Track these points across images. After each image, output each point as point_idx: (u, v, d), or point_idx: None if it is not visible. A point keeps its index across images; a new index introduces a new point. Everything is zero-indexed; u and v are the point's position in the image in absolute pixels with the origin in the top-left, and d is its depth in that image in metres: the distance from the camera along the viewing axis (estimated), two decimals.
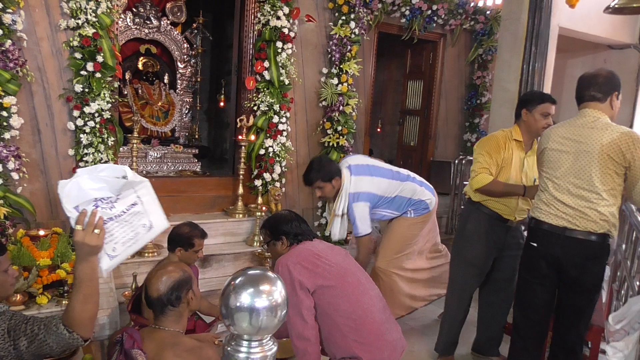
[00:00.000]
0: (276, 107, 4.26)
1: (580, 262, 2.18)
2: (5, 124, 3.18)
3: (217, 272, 3.88)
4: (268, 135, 4.30)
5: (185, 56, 5.59)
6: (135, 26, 5.05)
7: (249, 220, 4.25)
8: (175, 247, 2.56)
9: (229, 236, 4.17)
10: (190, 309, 1.83)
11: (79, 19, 3.34)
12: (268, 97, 4.24)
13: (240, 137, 4.16)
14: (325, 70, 4.67)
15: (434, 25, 5.37)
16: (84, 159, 3.47)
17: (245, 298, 0.87)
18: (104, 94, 3.45)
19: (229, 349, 0.87)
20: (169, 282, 1.76)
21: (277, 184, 4.40)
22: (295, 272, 2.00)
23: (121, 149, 3.95)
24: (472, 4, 5.42)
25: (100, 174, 1.30)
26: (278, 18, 4.14)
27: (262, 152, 4.33)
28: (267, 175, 4.32)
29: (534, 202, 2.38)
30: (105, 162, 3.49)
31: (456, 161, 5.28)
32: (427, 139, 6.00)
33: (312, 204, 4.82)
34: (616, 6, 3.11)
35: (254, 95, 4.35)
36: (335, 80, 4.58)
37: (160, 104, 5.36)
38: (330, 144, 4.61)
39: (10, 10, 3.12)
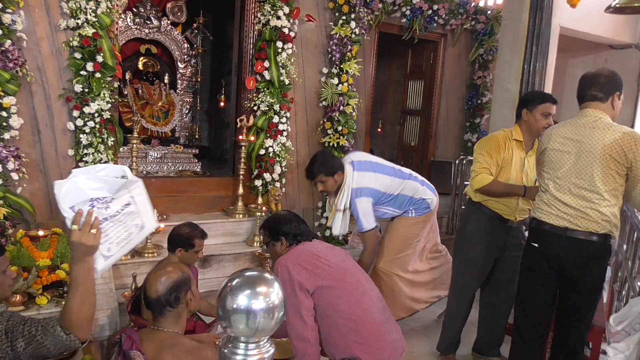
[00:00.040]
0: (276, 107, 4.26)
1: (582, 263, 2.17)
2: (4, 124, 3.17)
3: (217, 272, 3.87)
4: (268, 135, 4.29)
5: (185, 56, 5.58)
6: (136, 26, 5.05)
7: (249, 220, 4.24)
8: (175, 247, 2.56)
9: (229, 236, 4.17)
10: (189, 310, 1.82)
11: (79, 19, 3.34)
12: (268, 97, 4.23)
13: (240, 137, 4.15)
14: (325, 70, 4.66)
15: (435, 25, 5.37)
16: (84, 159, 3.47)
17: (242, 300, 0.86)
18: (104, 94, 3.44)
19: (225, 351, 0.87)
20: (168, 282, 1.75)
21: (277, 184, 4.40)
22: (294, 272, 2.00)
23: (121, 149, 3.95)
24: (472, 4, 5.41)
25: (98, 174, 1.30)
26: (278, 18, 4.13)
27: (262, 152, 4.33)
28: (267, 176, 4.32)
29: (535, 203, 2.37)
30: (105, 162, 3.48)
31: (457, 161, 5.26)
32: (428, 139, 6.00)
33: (312, 204, 4.81)
34: (617, 6, 3.10)
35: (254, 95, 4.35)
36: (335, 80, 4.57)
37: (160, 104, 5.35)
38: (331, 144, 4.61)
39: (10, 10, 3.11)
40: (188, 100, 5.71)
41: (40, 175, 3.51)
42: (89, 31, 3.34)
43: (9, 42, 3.12)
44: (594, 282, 2.21)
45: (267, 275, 0.91)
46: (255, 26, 4.31)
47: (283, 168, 4.42)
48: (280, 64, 4.22)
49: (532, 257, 2.34)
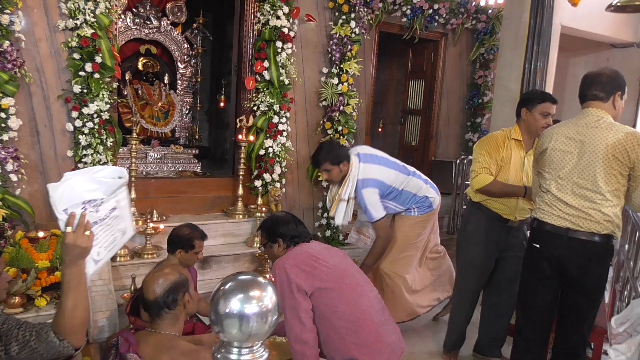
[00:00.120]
0: (276, 107, 4.24)
1: (583, 263, 2.15)
2: (3, 125, 3.16)
3: (216, 273, 3.86)
4: (268, 135, 4.28)
5: (185, 56, 5.57)
6: (135, 26, 5.03)
7: (249, 221, 4.23)
8: (175, 248, 2.55)
9: (228, 237, 4.15)
10: (187, 312, 1.82)
11: (78, 19, 3.32)
12: (268, 97, 4.22)
13: (240, 137, 4.14)
14: (325, 70, 4.64)
15: (435, 24, 5.35)
16: (83, 160, 3.45)
17: (234, 304, 0.84)
18: (103, 94, 3.43)
19: (218, 356, 0.85)
20: (165, 284, 1.74)
21: (277, 185, 4.38)
22: (292, 274, 1.98)
23: (120, 150, 3.93)
24: (473, 3, 5.39)
25: (95, 175, 1.29)
26: (278, 18, 4.12)
27: (262, 152, 4.31)
28: (267, 176, 4.30)
29: (536, 203, 2.36)
30: (104, 163, 3.47)
31: (458, 161, 5.25)
32: (429, 139, 5.98)
33: (312, 204, 4.79)
34: (618, 4, 3.08)
35: (254, 95, 4.33)
36: (335, 80, 4.55)
37: (160, 104, 5.34)
38: None
39: (8, 11, 3.10)
40: (188, 100, 5.70)
41: (39, 177, 3.50)
42: (87, 32, 3.32)
43: (7, 42, 3.10)
44: (595, 282, 2.19)
45: (260, 279, 0.90)
46: (254, 26, 4.29)
47: (283, 168, 4.41)
48: (280, 64, 4.21)
49: (534, 258, 2.33)
